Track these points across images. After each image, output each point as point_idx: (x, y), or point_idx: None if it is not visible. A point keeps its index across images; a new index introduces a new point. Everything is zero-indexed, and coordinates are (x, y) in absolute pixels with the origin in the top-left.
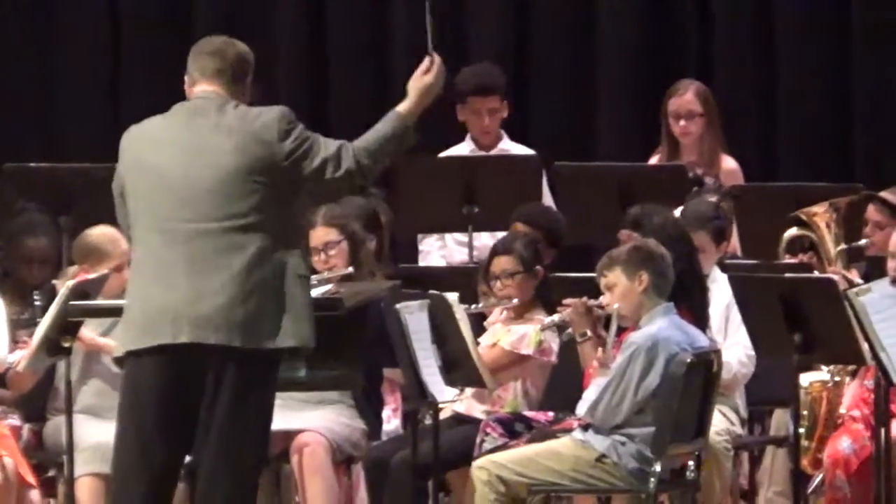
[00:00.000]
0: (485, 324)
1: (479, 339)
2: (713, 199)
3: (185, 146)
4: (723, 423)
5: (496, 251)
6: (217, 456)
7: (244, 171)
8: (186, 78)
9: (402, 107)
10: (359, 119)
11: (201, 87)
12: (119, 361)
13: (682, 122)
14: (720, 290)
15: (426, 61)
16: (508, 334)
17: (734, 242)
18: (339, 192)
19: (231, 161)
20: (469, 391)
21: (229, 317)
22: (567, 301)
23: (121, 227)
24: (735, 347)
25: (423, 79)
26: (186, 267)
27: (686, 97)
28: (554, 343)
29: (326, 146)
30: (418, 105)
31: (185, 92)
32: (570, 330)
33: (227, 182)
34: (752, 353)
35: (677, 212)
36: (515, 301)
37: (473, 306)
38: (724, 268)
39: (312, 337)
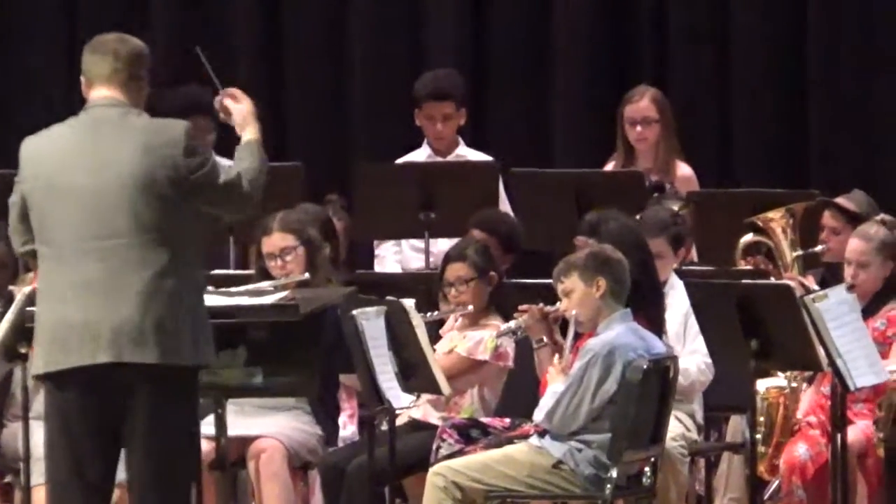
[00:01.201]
0: (441, 331)
1: (436, 346)
2: (673, 205)
3: (92, 162)
4: (678, 428)
5: (449, 258)
6: (143, 475)
7: (151, 186)
8: (82, 77)
9: (247, 137)
10: (314, 118)
11: (99, 93)
12: (38, 378)
13: (638, 129)
14: (678, 297)
15: (227, 96)
16: (464, 340)
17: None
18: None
19: (138, 177)
20: (425, 397)
21: (146, 333)
22: (523, 307)
23: (10, 240)
24: (694, 355)
25: (239, 108)
26: (98, 284)
27: (642, 104)
28: (510, 348)
29: (227, 170)
30: (256, 129)
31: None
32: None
33: (134, 197)
34: (710, 361)
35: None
36: (471, 308)
37: (429, 314)
38: (681, 274)
39: (213, 353)
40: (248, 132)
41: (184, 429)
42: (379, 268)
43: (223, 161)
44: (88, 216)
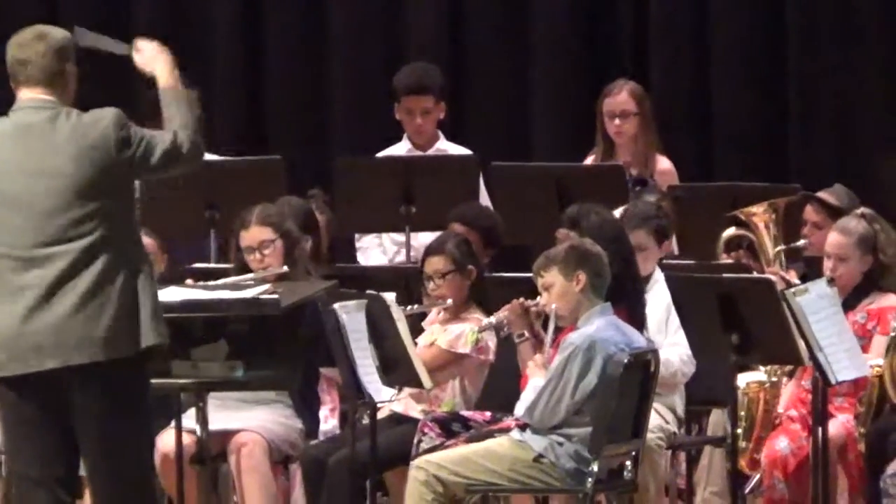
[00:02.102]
0: (423, 324)
1: (417, 339)
2: (654, 198)
3: (24, 170)
4: (656, 420)
5: (429, 252)
6: (102, 472)
7: (86, 188)
8: (9, 71)
9: (162, 84)
10: (294, 112)
11: (27, 94)
12: None
13: (617, 122)
14: (662, 290)
15: (134, 49)
16: (445, 334)
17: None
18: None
19: (71, 180)
20: (406, 391)
21: (89, 334)
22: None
23: None
24: (676, 346)
25: (147, 55)
26: (39, 291)
27: (620, 97)
28: (491, 342)
29: (162, 138)
30: (170, 73)
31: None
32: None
33: (70, 202)
34: (691, 353)
35: (618, 212)
36: (450, 301)
37: (409, 307)
38: (662, 268)
39: (167, 333)
40: (160, 81)
41: (139, 421)
42: (362, 260)
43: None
44: (26, 224)
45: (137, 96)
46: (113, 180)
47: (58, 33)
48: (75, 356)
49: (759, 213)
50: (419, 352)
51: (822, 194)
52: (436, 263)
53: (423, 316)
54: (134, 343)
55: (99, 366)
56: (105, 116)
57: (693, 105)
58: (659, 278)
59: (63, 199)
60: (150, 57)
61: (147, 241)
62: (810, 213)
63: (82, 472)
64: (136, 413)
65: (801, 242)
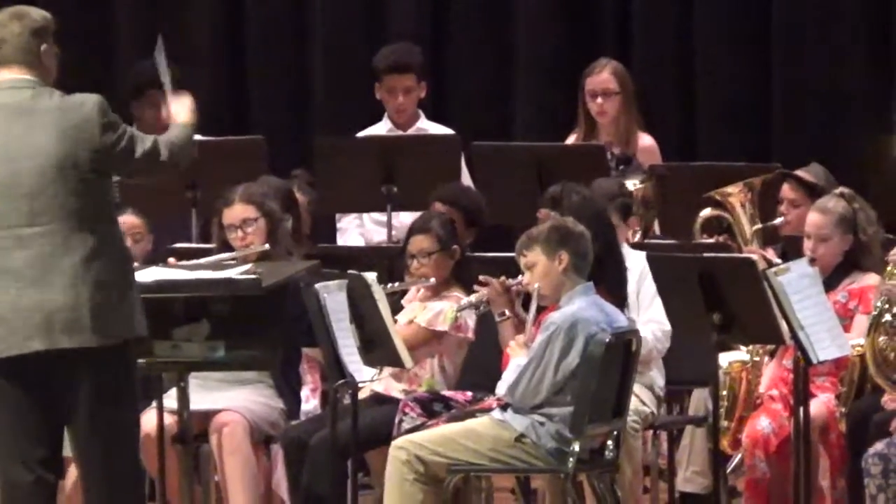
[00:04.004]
0: (402, 301)
1: (397, 317)
2: (636, 178)
3: (6, 151)
4: (633, 402)
5: (413, 230)
6: (91, 456)
7: (69, 168)
8: None
9: (180, 119)
10: (276, 92)
11: (5, 75)
12: None
13: (599, 101)
14: (631, 267)
15: (172, 91)
16: (424, 311)
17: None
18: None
19: (54, 160)
20: (387, 371)
21: (77, 318)
22: (483, 278)
23: None
24: (649, 324)
25: (186, 102)
26: (24, 273)
27: (602, 76)
28: (470, 320)
29: (143, 139)
30: (191, 119)
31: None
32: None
33: (53, 181)
34: (668, 328)
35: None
36: (433, 280)
37: (390, 285)
38: (642, 248)
39: (145, 324)
40: (182, 115)
41: (128, 406)
42: (341, 240)
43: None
44: (7, 205)
45: (116, 80)
46: (94, 163)
47: (36, 13)
48: (64, 339)
49: (734, 193)
50: (398, 329)
51: (798, 172)
52: (421, 242)
53: (403, 293)
54: (124, 330)
55: (91, 351)
56: (89, 100)
57: (676, 84)
58: (627, 254)
59: (45, 180)
60: (183, 107)
61: (134, 220)
62: (787, 191)
63: (66, 452)
64: (127, 402)
65: (778, 220)
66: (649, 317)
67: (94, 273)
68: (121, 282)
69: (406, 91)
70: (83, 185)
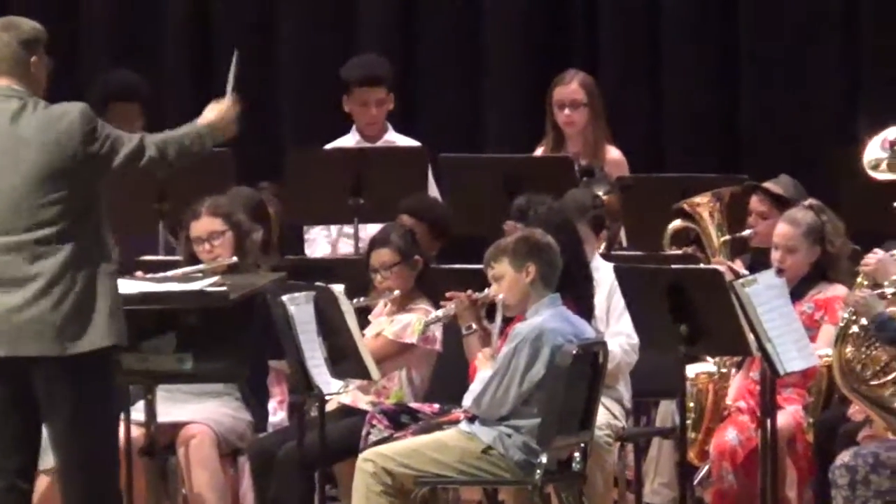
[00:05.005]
0: (370, 317)
1: (364, 332)
2: (601, 189)
3: None
4: (604, 416)
5: (373, 244)
6: (70, 464)
7: (50, 179)
8: None
9: (201, 121)
10: (243, 103)
11: None
12: None
13: (567, 112)
14: (602, 279)
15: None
16: (392, 324)
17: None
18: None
19: (35, 170)
20: (355, 383)
21: (46, 326)
22: (451, 294)
23: None
24: (618, 336)
25: (221, 106)
26: (3, 280)
27: (571, 87)
28: (438, 332)
29: (129, 140)
30: (214, 123)
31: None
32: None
33: (33, 191)
34: (635, 340)
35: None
36: (397, 292)
37: (355, 300)
38: (610, 259)
39: (125, 334)
40: (203, 119)
41: (101, 415)
42: (309, 252)
43: None
44: None
45: (82, 89)
46: (77, 174)
47: (26, 24)
48: (31, 347)
49: (703, 204)
50: (366, 342)
51: (767, 184)
52: (382, 255)
53: (370, 308)
54: (87, 341)
55: (58, 360)
56: (73, 110)
57: (645, 95)
58: (599, 267)
59: (26, 188)
60: (226, 108)
61: None
62: (755, 203)
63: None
64: (104, 406)
65: (747, 232)
66: (618, 329)
67: (64, 285)
68: (98, 292)
69: (378, 103)
70: (62, 197)
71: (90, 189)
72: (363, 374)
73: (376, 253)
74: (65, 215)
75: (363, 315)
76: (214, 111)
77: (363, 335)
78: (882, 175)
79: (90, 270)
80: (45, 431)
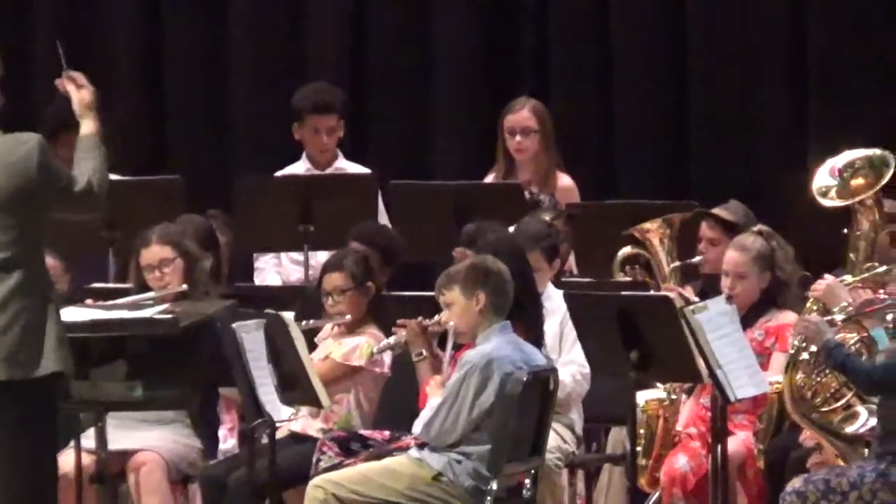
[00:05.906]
0: (316, 339)
1: (311, 354)
2: (548, 215)
3: None
4: (555, 440)
5: (326, 268)
6: (6, 490)
7: (3, 206)
8: None
9: (86, 130)
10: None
11: None
12: None
13: (518, 139)
14: (554, 307)
15: (69, 80)
16: (340, 347)
17: (570, 261)
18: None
19: None
20: (304, 410)
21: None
22: (401, 321)
23: None
24: (570, 365)
25: (80, 95)
26: None
27: (522, 114)
28: (386, 356)
29: (80, 179)
30: (95, 120)
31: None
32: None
33: None
34: (587, 370)
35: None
36: (348, 317)
37: (304, 322)
38: (560, 286)
39: (71, 362)
40: (86, 124)
41: (42, 442)
42: (259, 280)
43: None
44: None
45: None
46: (29, 202)
47: None
48: None
49: (653, 230)
50: (314, 365)
51: (717, 210)
52: (335, 280)
53: (318, 331)
54: (34, 367)
55: (11, 383)
56: (31, 139)
57: (595, 122)
58: (552, 296)
59: None
60: (88, 101)
61: (51, 261)
62: (705, 229)
63: None
64: (41, 438)
65: (697, 259)
66: (570, 358)
67: (12, 311)
68: (40, 318)
69: (329, 131)
70: (15, 223)
71: (41, 218)
72: (313, 401)
73: (329, 277)
74: (17, 242)
75: (310, 336)
76: (86, 104)
77: (311, 357)
78: (831, 202)
79: (39, 297)
80: None
